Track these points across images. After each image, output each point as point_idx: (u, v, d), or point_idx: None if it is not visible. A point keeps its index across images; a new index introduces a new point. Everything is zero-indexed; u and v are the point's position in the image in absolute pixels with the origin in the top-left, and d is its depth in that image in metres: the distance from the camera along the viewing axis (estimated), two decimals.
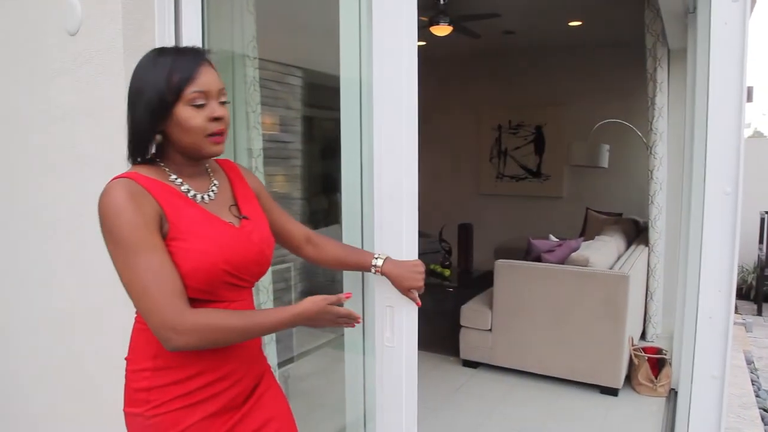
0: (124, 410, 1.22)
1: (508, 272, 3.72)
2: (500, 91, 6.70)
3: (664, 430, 3.02)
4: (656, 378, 3.39)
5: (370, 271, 1.45)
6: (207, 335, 1.11)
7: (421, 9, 4.49)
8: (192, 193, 1.22)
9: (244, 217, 1.28)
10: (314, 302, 1.22)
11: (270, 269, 2.01)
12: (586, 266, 3.51)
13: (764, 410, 3.38)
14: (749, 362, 4.23)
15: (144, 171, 1.19)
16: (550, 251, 3.83)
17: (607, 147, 5.26)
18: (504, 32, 5.59)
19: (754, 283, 6.00)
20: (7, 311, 2.22)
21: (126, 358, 1.25)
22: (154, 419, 1.16)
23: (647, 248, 4.26)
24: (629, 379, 3.52)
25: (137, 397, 1.19)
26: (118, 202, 1.10)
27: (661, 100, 4.08)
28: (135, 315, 1.24)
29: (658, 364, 3.43)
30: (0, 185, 2.16)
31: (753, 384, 3.75)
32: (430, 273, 4.66)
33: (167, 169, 1.22)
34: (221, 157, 1.31)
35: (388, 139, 1.46)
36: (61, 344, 2.03)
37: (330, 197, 5.63)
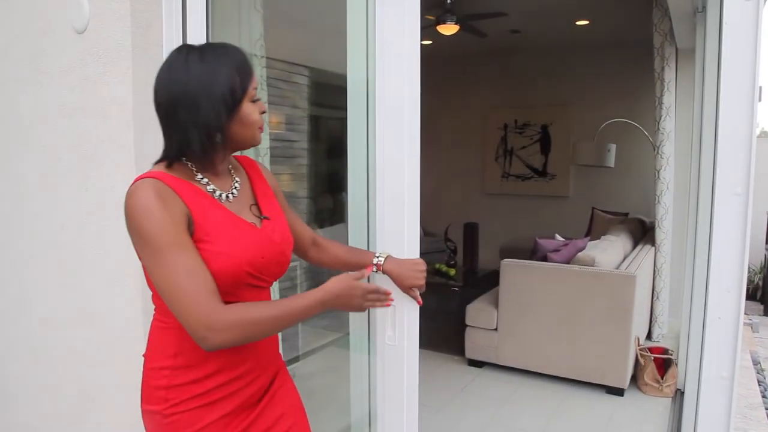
0: (141, 407, 1.23)
1: (514, 272, 3.71)
2: (506, 91, 6.69)
3: (671, 431, 3.01)
4: (662, 378, 3.38)
5: (371, 269, 1.45)
6: (243, 330, 1.10)
7: (428, 8, 4.51)
8: (217, 193, 1.22)
9: (265, 218, 1.29)
10: (339, 279, 1.22)
11: None
12: (592, 266, 3.50)
13: None
14: (756, 363, 4.21)
15: (169, 170, 1.17)
16: (556, 251, 3.82)
17: (613, 146, 5.24)
18: (510, 31, 5.58)
19: (760, 283, 5.97)
20: (16, 310, 2.23)
21: (144, 356, 1.25)
22: (171, 417, 1.17)
23: (653, 248, 4.25)
24: (635, 379, 3.51)
25: (156, 395, 1.19)
26: (147, 202, 1.09)
27: (668, 99, 4.06)
28: (154, 312, 1.24)
29: (664, 364, 3.42)
30: (6, 183, 2.18)
31: (759, 384, 3.73)
32: (435, 272, 4.66)
33: (194, 168, 1.21)
34: (239, 153, 1.32)
35: (391, 141, 1.47)
36: (63, 341, 2.04)
37: (336, 196, 5.63)
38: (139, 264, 1.17)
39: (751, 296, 6.09)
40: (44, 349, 2.14)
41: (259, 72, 2.13)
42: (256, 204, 1.31)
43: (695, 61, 3.28)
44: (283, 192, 1.46)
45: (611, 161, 5.29)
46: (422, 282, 1.44)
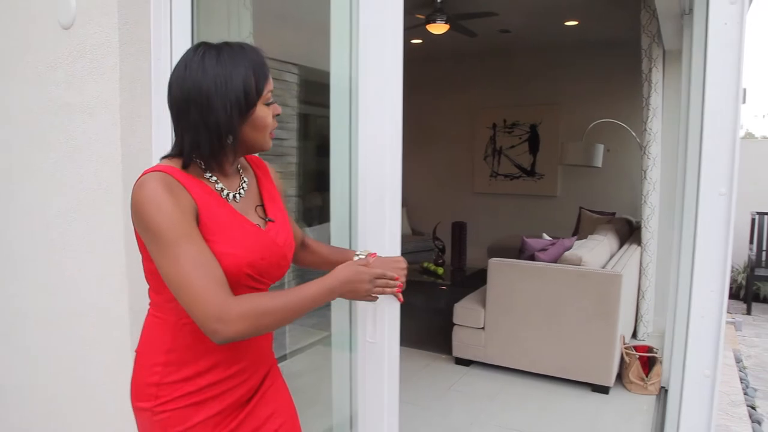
0: (131, 403, 1.22)
1: (501, 270, 3.73)
2: (496, 90, 6.72)
3: (655, 428, 3.04)
4: (647, 376, 3.42)
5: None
6: (255, 320, 1.08)
7: (419, 7, 4.52)
8: (225, 192, 1.21)
9: (270, 220, 1.28)
10: (346, 266, 1.23)
11: None
12: (579, 265, 3.52)
13: (752, 408, 3.42)
14: (738, 361, 4.27)
15: (178, 165, 1.16)
16: (543, 250, 3.84)
17: (601, 146, 5.28)
18: (500, 31, 5.60)
19: (744, 282, 6.05)
20: (2, 308, 2.21)
21: (136, 350, 1.24)
22: (161, 415, 1.16)
23: (640, 248, 4.29)
24: (620, 378, 3.54)
25: (146, 392, 1.18)
26: (156, 195, 1.07)
27: (655, 100, 4.09)
28: (149, 307, 1.23)
29: (649, 362, 3.46)
30: None
31: (741, 382, 3.78)
32: (423, 271, 4.67)
33: (203, 166, 1.19)
34: None
35: (373, 138, 1.47)
36: (50, 340, 2.02)
37: (324, 195, 5.61)
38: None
39: (734, 295, 6.16)
40: (32, 348, 2.11)
41: None
42: (262, 205, 1.31)
43: (682, 63, 3.31)
44: None
45: (599, 161, 5.33)
46: (403, 280, 1.44)
